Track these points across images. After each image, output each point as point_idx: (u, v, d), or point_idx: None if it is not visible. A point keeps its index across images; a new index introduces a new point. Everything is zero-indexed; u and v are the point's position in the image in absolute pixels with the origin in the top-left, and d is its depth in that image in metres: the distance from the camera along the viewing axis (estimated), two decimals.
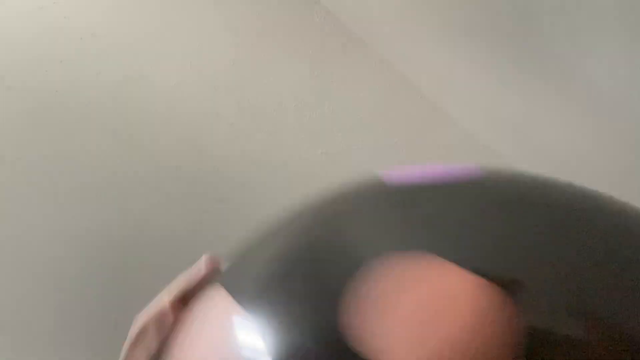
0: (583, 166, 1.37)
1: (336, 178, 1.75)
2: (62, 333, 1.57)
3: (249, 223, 1.70)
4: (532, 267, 0.30)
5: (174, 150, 1.55)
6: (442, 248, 0.27)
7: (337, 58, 1.57)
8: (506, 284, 0.29)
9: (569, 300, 0.26)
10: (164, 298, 0.42)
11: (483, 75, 1.32)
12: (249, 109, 1.56)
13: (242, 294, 0.31)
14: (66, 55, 1.53)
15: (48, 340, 1.57)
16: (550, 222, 0.29)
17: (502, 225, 0.30)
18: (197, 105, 1.55)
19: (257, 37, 1.56)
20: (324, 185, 1.64)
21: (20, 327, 1.56)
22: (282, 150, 1.57)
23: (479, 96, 1.43)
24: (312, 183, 1.59)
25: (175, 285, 0.43)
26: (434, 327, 0.24)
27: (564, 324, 0.25)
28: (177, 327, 0.38)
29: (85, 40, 1.53)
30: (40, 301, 1.56)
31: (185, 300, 0.41)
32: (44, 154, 1.53)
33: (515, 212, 0.30)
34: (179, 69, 1.55)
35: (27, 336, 1.57)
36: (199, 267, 0.44)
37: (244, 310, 0.29)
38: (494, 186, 0.35)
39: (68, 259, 1.56)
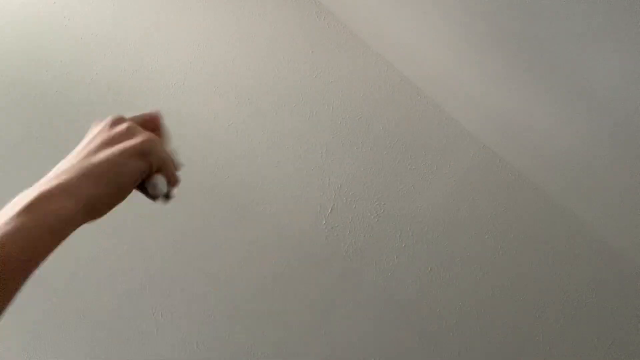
0: (582, 166, 1.37)
1: (337, 178, 1.75)
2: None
3: (248, 220, 1.71)
4: None
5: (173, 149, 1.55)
6: None
7: (337, 58, 1.57)
8: None
9: None
10: None
11: (483, 75, 1.33)
12: (249, 109, 1.56)
13: None
14: (66, 55, 1.53)
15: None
16: None
17: None
18: (197, 105, 1.55)
19: (257, 37, 1.56)
20: (324, 185, 1.65)
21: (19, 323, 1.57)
22: (282, 150, 1.57)
23: (478, 96, 1.43)
24: (313, 183, 1.59)
25: None
26: None
27: None
28: None
29: (85, 40, 1.53)
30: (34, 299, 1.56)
31: None
32: (44, 153, 1.53)
33: None
34: (179, 68, 1.55)
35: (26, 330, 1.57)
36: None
37: None
38: None
39: (67, 256, 1.56)
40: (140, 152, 0.44)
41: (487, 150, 1.60)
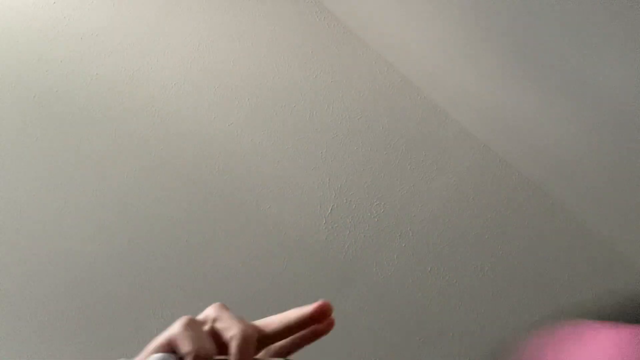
0: (582, 165, 1.37)
1: (337, 178, 1.75)
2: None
3: (248, 220, 1.71)
4: None
5: (173, 149, 1.55)
6: None
7: (337, 58, 1.57)
8: None
9: None
10: None
11: (483, 75, 1.33)
12: (249, 109, 1.56)
13: None
14: (66, 55, 1.53)
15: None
16: None
17: None
18: (197, 105, 1.55)
19: (257, 37, 1.56)
20: (324, 185, 1.65)
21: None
22: (282, 150, 1.57)
23: (478, 96, 1.43)
24: (313, 183, 1.59)
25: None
26: None
27: None
28: None
29: (85, 40, 1.53)
30: (49, 300, 1.56)
31: None
32: (44, 153, 1.53)
33: None
34: (179, 68, 1.55)
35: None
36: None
37: None
38: None
39: (68, 256, 1.56)
40: None
41: (487, 150, 1.60)
